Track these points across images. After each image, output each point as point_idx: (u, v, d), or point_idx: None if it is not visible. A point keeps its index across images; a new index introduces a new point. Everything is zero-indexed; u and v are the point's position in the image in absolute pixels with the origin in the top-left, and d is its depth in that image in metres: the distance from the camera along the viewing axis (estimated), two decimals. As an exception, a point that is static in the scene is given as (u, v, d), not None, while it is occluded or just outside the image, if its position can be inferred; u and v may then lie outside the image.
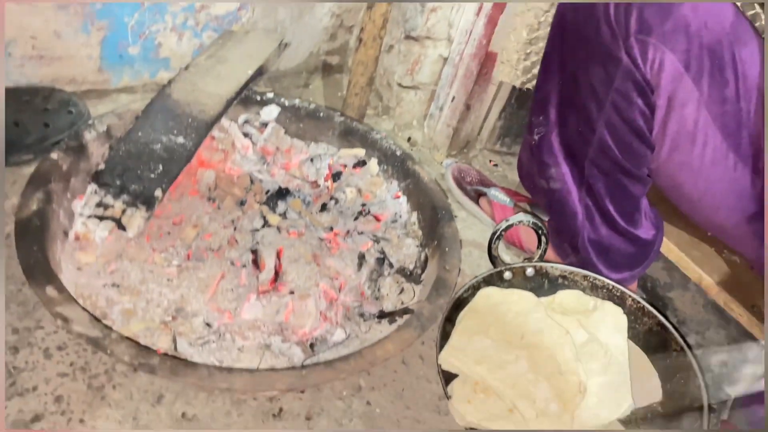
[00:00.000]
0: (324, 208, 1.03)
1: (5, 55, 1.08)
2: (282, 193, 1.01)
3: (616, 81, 0.87)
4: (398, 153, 1.08)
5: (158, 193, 0.85)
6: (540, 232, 1.02)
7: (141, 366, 0.67)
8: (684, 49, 0.79)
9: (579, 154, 1.00)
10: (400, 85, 1.41)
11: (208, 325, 0.83)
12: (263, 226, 0.95)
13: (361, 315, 0.90)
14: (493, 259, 1.01)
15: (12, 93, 1.08)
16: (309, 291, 0.87)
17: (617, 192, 1.01)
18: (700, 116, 0.83)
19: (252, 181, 1.00)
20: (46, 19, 1.07)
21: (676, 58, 0.80)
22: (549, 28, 1.22)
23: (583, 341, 0.86)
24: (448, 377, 0.87)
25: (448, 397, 0.85)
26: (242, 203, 0.98)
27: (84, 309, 0.72)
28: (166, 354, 0.70)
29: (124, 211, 0.82)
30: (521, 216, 1.00)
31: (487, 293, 0.90)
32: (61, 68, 1.15)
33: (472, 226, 1.25)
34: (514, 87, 1.35)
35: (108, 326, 0.71)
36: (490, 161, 1.46)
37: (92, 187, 0.84)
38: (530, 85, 1.30)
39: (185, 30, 1.21)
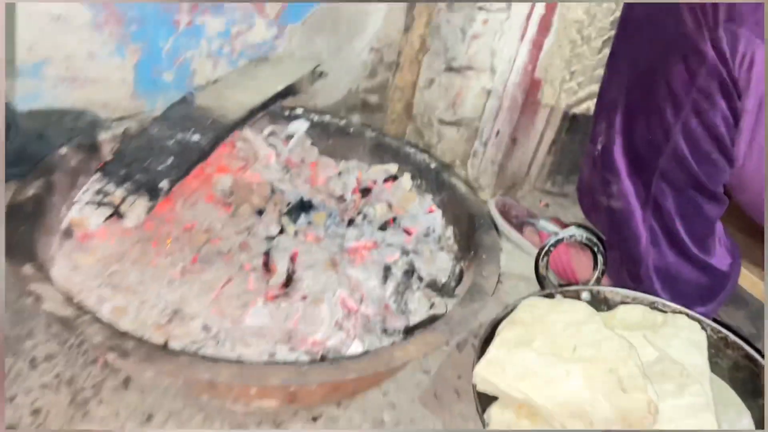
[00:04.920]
0: (351, 223, 0.93)
1: (38, 77, 1.08)
2: (305, 206, 0.93)
3: (698, 79, 0.77)
4: (432, 165, 0.99)
5: (164, 184, 0.78)
6: (596, 249, 0.89)
7: (112, 349, 0.57)
8: None
9: (646, 168, 0.88)
10: (441, 121, 1.34)
11: (206, 328, 0.72)
12: (280, 234, 0.86)
13: (384, 330, 0.78)
14: (540, 279, 0.88)
15: (43, 113, 1.08)
16: (323, 296, 0.76)
17: (689, 212, 0.87)
18: None
19: (273, 191, 0.92)
20: (81, 39, 1.07)
21: None
22: (593, 43, 1.15)
23: (653, 359, 0.70)
24: (485, 403, 0.73)
25: (485, 426, 0.70)
26: (260, 213, 0.90)
27: (60, 290, 0.63)
28: (141, 339, 0.60)
29: (124, 199, 0.75)
30: (573, 229, 0.88)
31: (532, 303, 0.76)
32: (95, 92, 1.13)
33: (518, 258, 1.12)
34: (564, 117, 1.26)
35: (83, 307, 0.61)
36: (541, 201, 1.34)
37: (96, 176, 0.78)
38: (577, 110, 1.20)
39: (221, 57, 1.19)
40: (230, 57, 1.21)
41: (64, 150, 0.82)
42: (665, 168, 0.86)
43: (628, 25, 0.91)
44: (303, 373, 0.59)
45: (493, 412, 0.70)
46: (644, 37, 0.86)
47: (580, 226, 0.90)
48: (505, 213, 1.17)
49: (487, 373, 0.68)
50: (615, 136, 0.91)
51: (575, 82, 1.17)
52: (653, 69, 0.84)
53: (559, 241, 0.87)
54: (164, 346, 0.62)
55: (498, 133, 1.28)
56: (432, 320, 0.77)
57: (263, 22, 1.19)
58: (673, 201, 0.87)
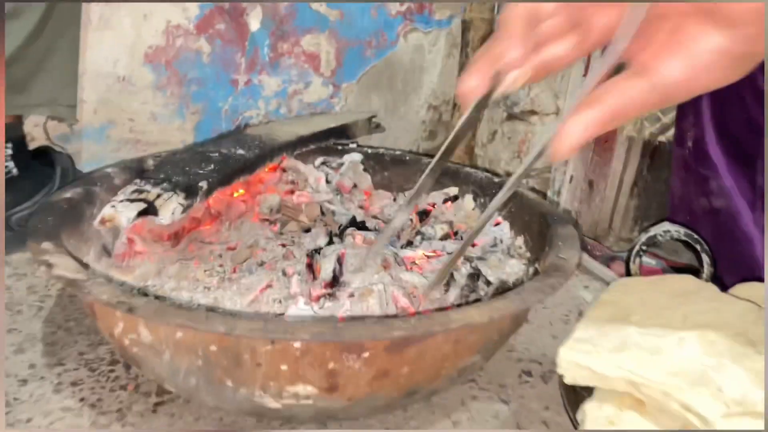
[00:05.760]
0: (410, 244, 0.84)
1: (102, 140, 1.12)
2: (357, 227, 0.85)
3: None
4: (496, 180, 0.90)
5: (203, 184, 0.74)
6: (700, 247, 0.75)
7: (119, 305, 0.49)
8: None
9: (747, 156, 0.77)
10: (508, 173, 1.27)
11: (239, 326, 0.63)
12: (328, 245, 0.78)
13: (447, 332, 0.66)
14: (634, 283, 0.74)
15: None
16: (373, 288, 0.65)
17: None
18: None
19: (323, 212, 0.86)
20: (144, 100, 1.11)
21: None
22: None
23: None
24: (575, 402, 0.58)
25: (576, 426, 0.55)
26: (308, 231, 0.83)
27: (78, 260, 0.57)
28: (155, 296, 0.52)
29: (159, 196, 0.70)
30: (667, 225, 0.75)
31: (624, 282, 0.63)
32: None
33: (608, 294, 0.97)
34: (644, 154, 1.16)
35: (97, 273, 0.55)
36: (629, 251, 1.20)
37: (134, 182, 0.75)
38: (663, 138, 1.10)
39: (278, 116, 1.20)
40: (287, 116, 1.21)
41: (109, 169, 0.80)
42: None
43: None
44: (339, 329, 0.49)
45: (588, 408, 0.55)
46: None
47: (673, 222, 0.77)
48: (588, 251, 1.05)
49: (575, 354, 0.54)
50: (706, 126, 0.80)
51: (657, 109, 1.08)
52: None
53: (651, 240, 0.74)
54: (179, 305, 0.54)
55: (572, 179, 1.19)
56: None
57: (319, 80, 1.21)
58: None
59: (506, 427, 0.69)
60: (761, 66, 0.71)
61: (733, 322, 0.52)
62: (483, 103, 0.45)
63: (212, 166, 0.77)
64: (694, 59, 0.38)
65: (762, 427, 0.45)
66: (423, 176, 0.57)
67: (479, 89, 0.43)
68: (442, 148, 0.54)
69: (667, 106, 0.42)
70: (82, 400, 0.69)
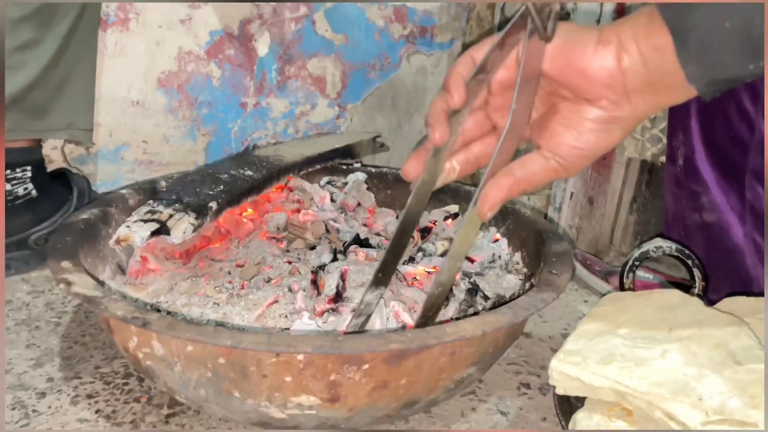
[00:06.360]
0: (411, 261, 0.87)
1: (117, 161, 1.16)
2: (361, 243, 0.88)
3: None
4: (495, 198, 0.93)
5: (213, 204, 0.77)
6: (691, 262, 0.77)
7: (134, 320, 0.53)
8: None
9: (735, 171, 0.80)
10: (510, 190, 1.30)
11: (246, 340, 0.66)
12: (332, 262, 0.81)
13: (446, 345, 0.68)
14: (627, 298, 0.77)
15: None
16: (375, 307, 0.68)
17: None
18: None
19: (328, 230, 0.89)
20: (156, 122, 1.15)
21: None
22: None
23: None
24: (569, 411, 0.60)
25: (570, 434, 0.57)
26: (313, 248, 0.86)
27: (95, 278, 0.60)
28: (167, 312, 0.55)
29: (171, 216, 0.74)
30: (659, 241, 0.78)
31: (614, 296, 0.65)
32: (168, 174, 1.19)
33: (607, 308, 0.99)
34: (642, 170, 1.19)
35: (113, 290, 0.58)
36: (629, 266, 1.22)
37: (148, 203, 0.78)
38: (664, 158, 1.13)
39: (285, 137, 1.24)
40: (294, 137, 1.25)
41: (124, 190, 0.84)
42: (756, 166, 0.76)
43: None
44: (339, 342, 0.52)
45: (579, 417, 0.57)
46: None
47: (666, 238, 0.80)
48: (587, 266, 1.07)
49: (565, 365, 0.57)
50: (695, 143, 0.83)
51: (657, 129, 1.10)
52: None
53: (644, 254, 0.77)
54: (190, 320, 0.57)
55: (572, 195, 1.22)
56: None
57: (325, 102, 1.25)
58: None
59: (504, 437, 0.71)
60: (745, 85, 0.74)
61: (714, 334, 0.55)
62: (430, 187, 0.60)
63: (222, 187, 0.81)
64: (579, 130, 0.48)
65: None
66: (384, 254, 0.63)
67: (416, 171, 0.58)
68: (397, 226, 0.63)
69: (573, 173, 0.51)
70: (97, 411, 0.73)
